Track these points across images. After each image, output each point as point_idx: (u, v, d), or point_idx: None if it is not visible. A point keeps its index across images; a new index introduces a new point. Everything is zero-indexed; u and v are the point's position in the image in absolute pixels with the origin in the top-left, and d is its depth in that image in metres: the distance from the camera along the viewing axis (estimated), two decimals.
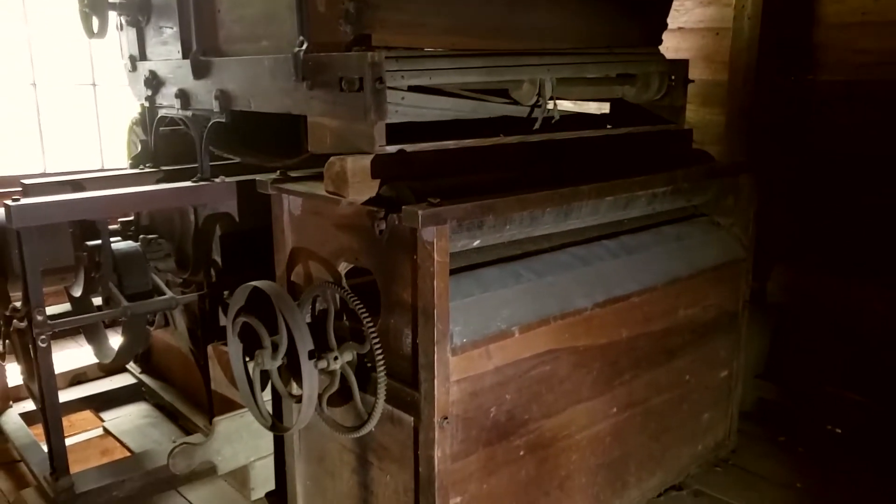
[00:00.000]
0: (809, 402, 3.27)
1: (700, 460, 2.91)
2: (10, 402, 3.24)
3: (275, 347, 2.04)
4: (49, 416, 2.52)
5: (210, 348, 2.80)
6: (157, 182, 2.94)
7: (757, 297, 3.14)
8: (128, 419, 3.26)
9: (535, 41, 2.52)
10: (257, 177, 2.39)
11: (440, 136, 2.24)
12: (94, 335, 3.02)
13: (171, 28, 2.72)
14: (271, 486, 2.71)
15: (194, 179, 2.79)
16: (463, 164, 2.25)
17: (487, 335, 2.03)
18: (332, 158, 2.05)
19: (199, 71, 2.62)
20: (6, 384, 3.23)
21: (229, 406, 2.70)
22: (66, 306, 2.96)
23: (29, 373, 2.87)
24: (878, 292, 3.05)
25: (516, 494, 2.21)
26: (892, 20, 3.03)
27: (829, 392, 3.21)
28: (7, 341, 2.87)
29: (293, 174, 2.40)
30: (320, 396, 2.06)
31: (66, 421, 2.62)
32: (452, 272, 1.93)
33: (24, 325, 2.57)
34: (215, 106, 2.57)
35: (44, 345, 2.44)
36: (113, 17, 2.95)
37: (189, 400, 3.17)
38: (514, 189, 2.10)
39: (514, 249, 2.33)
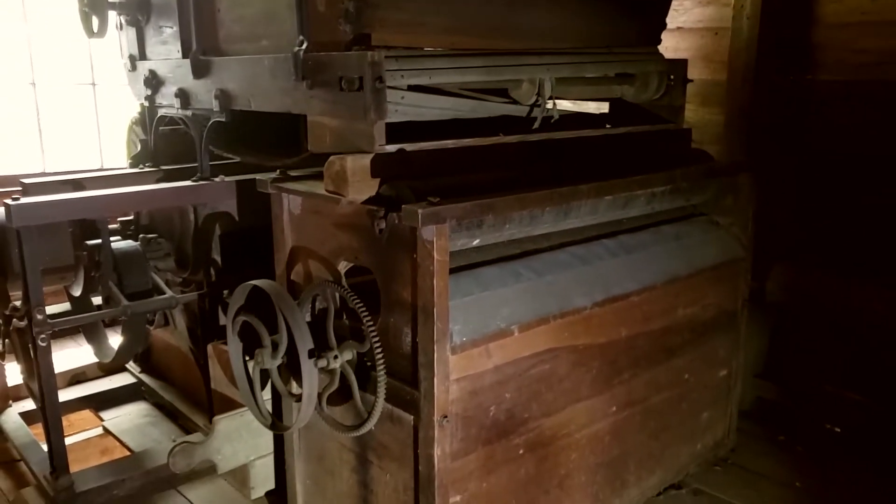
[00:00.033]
0: (809, 402, 3.27)
1: (699, 459, 2.92)
2: (10, 402, 3.24)
3: (275, 346, 2.04)
4: (49, 415, 2.52)
5: (210, 347, 2.80)
6: (157, 181, 2.95)
7: (756, 297, 3.14)
8: (127, 418, 3.26)
9: (535, 41, 2.52)
10: (257, 176, 2.39)
11: (440, 136, 2.24)
12: (93, 334, 3.02)
13: (171, 27, 2.73)
14: (271, 484, 2.72)
15: (194, 179, 2.79)
16: (462, 164, 2.25)
17: (487, 334, 2.03)
18: (331, 157, 2.06)
19: (199, 70, 2.62)
20: (6, 383, 3.23)
21: (229, 405, 2.70)
22: (66, 306, 2.96)
23: (29, 372, 2.88)
24: (877, 292, 3.05)
25: (516, 493, 2.22)
26: (890, 20, 3.03)
27: (828, 391, 3.22)
28: (7, 340, 2.87)
29: (293, 173, 2.40)
30: (320, 395, 2.07)
31: (65, 420, 2.62)
32: (452, 271, 1.93)
33: (23, 324, 2.57)
34: (215, 105, 2.57)
35: (44, 344, 2.44)
36: (113, 16, 2.96)
37: (189, 399, 3.17)
38: (513, 188, 2.11)
39: (514, 248, 2.34)
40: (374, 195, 2.04)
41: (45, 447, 2.67)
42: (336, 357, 2.01)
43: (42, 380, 2.48)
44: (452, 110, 2.35)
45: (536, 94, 2.47)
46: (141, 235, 2.92)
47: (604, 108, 3.11)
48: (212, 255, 2.83)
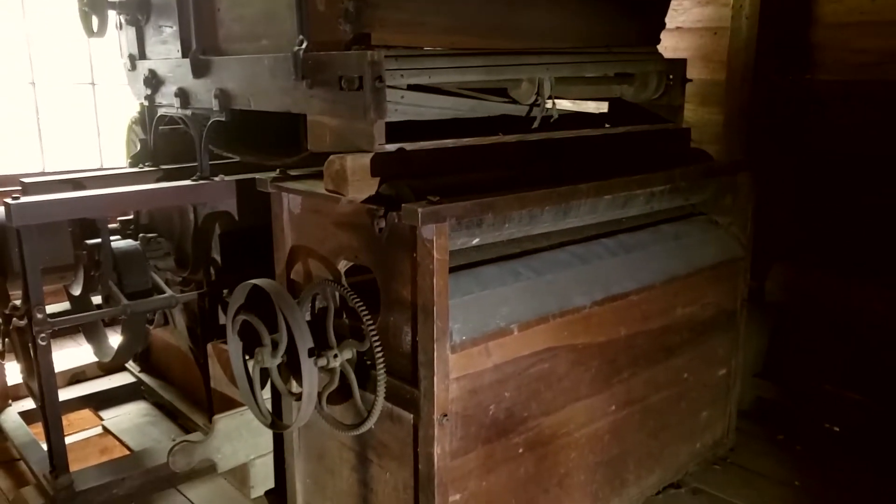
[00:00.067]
0: (808, 401, 3.27)
1: (698, 458, 2.92)
2: (10, 401, 3.24)
3: (274, 345, 2.04)
4: (49, 414, 2.52)
5: (210, 346, 2.80)
6: (157, 181, 2.95)
7: (755, 296, 3.14)
8: (127, 418, 3.27)
9: (534, 40, 2.52)
10: (257, 175, 2.39)
11: (439, 135, 2.25)
12: (93, 334, 3.02)
13: (171, 27, 2.73)
14: (271, 484, 2.72)
15: (194, 178, 2.80)
16: (462, 163, 2.26)
17: (487, 333, 2.03)
18: (331, 157, 2.06)
19: (199, 70, 2.62)
20: (5, 383, 3.23)
21: (229, 404, 2.70)
22: (66, 305, 2.96)
23: (28, 371, 2.88)
24: (876, 292, 3.06)
25: (515, 492, 2.22)
26: (889, 20, 3.03)
27: (827, 391, 3.22)
28: (7, 340, 2.88)
29: (293, 173, 2.40)
30: (320, 394, 2.07)
31: (64, 420, 2.62)
32: (452, 270, 1.94)
33: (23, 323, 2.57)
34: (215, 105, 2.58)
35: (43, 343, 2.44)
36: (112, 16, 2.96)
37: (188, 398, 3.17)
38: (513, 187, 2.11)
39: (513, 248, 2.34)
40: (374, 194, 2.04)
41: (44, 446, 2.67)
42: (336, 356, 2.02)
43: (42, 379, 2.48)
44: (452, 110, 2.35)
45: (536, 94, 2.48)
46: (141, 235, 2.93)
47: (603, 107, 3.11)
48: (211, 255, 2.84)
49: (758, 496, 2.78)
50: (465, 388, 2.00)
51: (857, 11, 3.12)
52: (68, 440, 2.68)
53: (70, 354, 3.67)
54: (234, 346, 2.21)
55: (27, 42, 4.51)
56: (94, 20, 2.93)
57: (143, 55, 2.96)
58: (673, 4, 3.04)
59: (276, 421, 2.29)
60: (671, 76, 2.88)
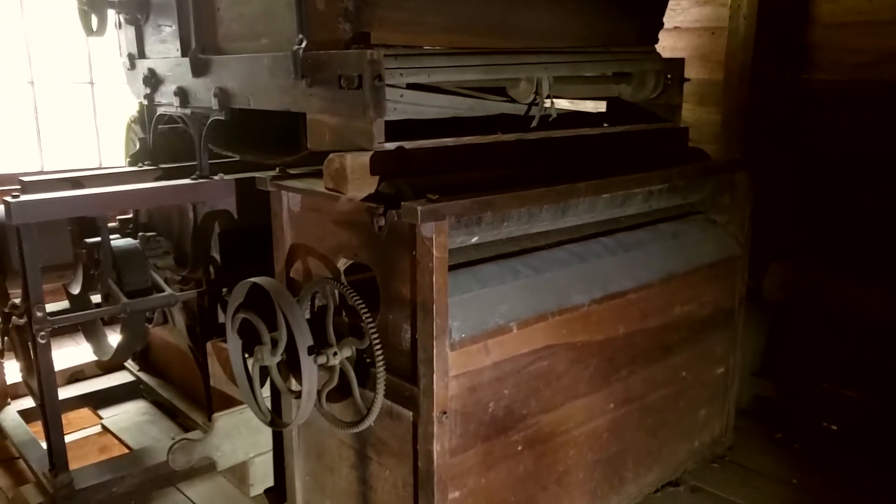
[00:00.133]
0: (805, 399, 3.28)
1: (697, 456, 2.93)
2: (9, 400, 3.25)
3: (274, 343, 2.05)
4: (48, 413, 2.52)
5: (209, 345, 2.81)
6: (156, 180, 2.95)
7: (753, 295, 3.15)
8: (126, 416, 3.27)
9: (533, 40, 2.53)
10: (256, 174, 2.39)
11: (438, 134, 2.25)
12: (92, 332, 3.02)
13: (170, 26, 2.73)
14: (270, 482, 2.73)
15: (193, 177, 2.80)
16: (461, 162, 2.26)
17: (486, 330, 2.04)
18: (331, 155, 2.06)
19: (198, 69, 2.63)
20: (5, 381, 3.24)
21: (228, 403, 2.71)
22: (65, 304, 2.96)
23: (28, 370, 2.88)
24: (874, 291, 3.06)
25: (514, 489, 2.22)
26: (886, 20, 3.04)
27: (825, 389, 3.23)
28: (6, 338, 2.88)
29: (292, 171, 2.41)
30: (319, 392, 2.07)
31: (63, 419, 2.62)
32: (451, 268, 1.94)
33: (23, 321, 2.58)
34: (214, 104, 2.58)
35: (43, 341, 2.44)
36: (112, 14, 2.96)
37: (187, 397, 3.18)
38: (511, 186, 2.12)
39: (512, 246, 2.35)
40: (374, 192, 2.05)
41: (44, 445, 2.68)
42: (335, 354, 2.02)
43: (42, 377, 2.48)
44: (451, 108, 2.36)
45: (534, 93, 2.48)
46: (140, 233, 2.93)
47: (601, 106, 3.12)
48: (211, 253, 2.84)
49: (756, 494, 2.79)
50: (465, 386, 2.01)
51: (854, 11, 3.13)
52: (67, 439, 2.68)
53: (69, 353, 3.67)
54: (233, 344, 2.22)
55: (26, 41, 4.51)
56: (94, 19, 2.94)
57: (142, 54, 2.96)
58: (671, 4, 3.05)
59: (276, 419, 2.29)
60: (669, 76, 2.89)
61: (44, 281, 2.47)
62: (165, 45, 2.80)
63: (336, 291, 2.07)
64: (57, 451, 2.55)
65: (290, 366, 2.08)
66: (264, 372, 2.17)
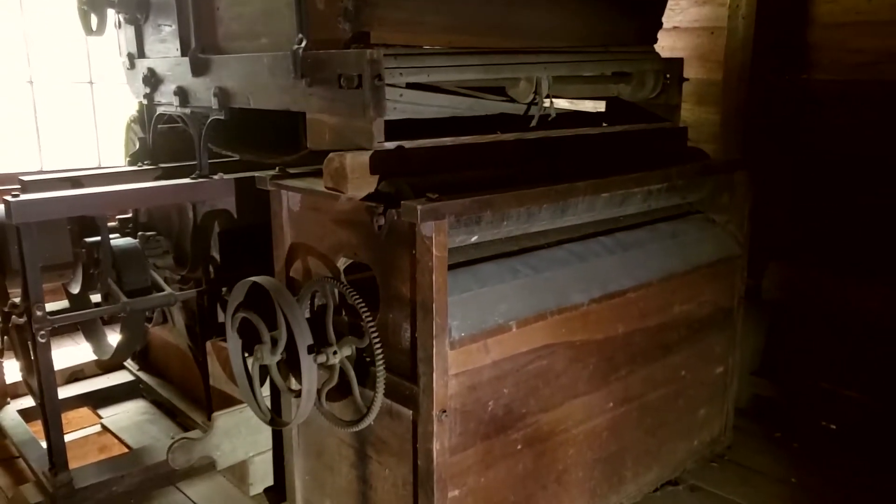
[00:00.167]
0: (804, 399, 3.29)
1: (696, 456, 2.93)
2: (8, 399, 3.25)
3: (274, 342, 2.05)
4: (48, 412, 2.52)
5: (209, 345, 2.81)
6: (156, 179, 2.95)
7: (752, 294, 3.15)
8: (126, 416, 3.27)
9: (533, 39, 2.54)
10: (256, 173, 2.40)
11: (438, 133, 2.26)
12: (92, 332, 3.02)
13: (170, 26, 2.73)
14: (270, 481, 2.73)
15: (193, 176, 2.80)
16: (460, 161, 2.27)
17: (485, 329, 2.04)
18: (331, 154, 2.07)
19: (198, 68, 2.63)
20: (4, 381, 3.24)
21: (227, 402, 2.71)
22: (65, 303, 2.96)
23: (28, 369, 2.88)
24: (873, 290, 3.07)
25: (514, 488, 2.23)
26: (885, 20, 3.05)
27: (824, 388, 3.24)
28: (6, 337, 2.88)
29: (292, 170, 2.41)
30: (319, 391, 2.08)
31: (63, 418, 2.62)
32: (450, 267, 1.94)
33: (23, 320, 2.58)
34: (214, 103, 2.58)
35: (43, 340, 2.44)
36: (111, 14, 2.96)
37: (187, 396, 3.18)
38: (511, 185, 2.12)
39: (512, 245, 2.35)
40: (373, 192, 2.05)
41: (43, 444, 2.68)
42: (335, 353, 2.02)
43: (41, 376, 2.49)
44: (450, 108, 2.36)
45: (534, 93, 2.49)
46: (140, 233, 2.93)
47: (600, 106, 3.13)
48: (210, 253, 2.84)
49: (755, 493, 2.79)
50: (464, 385, 2.01)
51: (853, 11, 3.13)
52: (67, 438, 2.68)
53: (69, 352, 3.67)
54: (233, 343, 2.22)
55: (25, 40, 4.51)
56: (93, 18, 2.94)
57: (141, 54, 2.96)
58: (670, 4, 3.05)
59: (276, 418, 2.29)
60: (668, 75, 2.89)
61: (43, 280, 2.47)
62: (165, 45, 2.80)
63: (336, 290, 2.08)
64: (57, 451, 2.55)
65: (290, 365, 2.08)
66: (264, 371, 2.17)
